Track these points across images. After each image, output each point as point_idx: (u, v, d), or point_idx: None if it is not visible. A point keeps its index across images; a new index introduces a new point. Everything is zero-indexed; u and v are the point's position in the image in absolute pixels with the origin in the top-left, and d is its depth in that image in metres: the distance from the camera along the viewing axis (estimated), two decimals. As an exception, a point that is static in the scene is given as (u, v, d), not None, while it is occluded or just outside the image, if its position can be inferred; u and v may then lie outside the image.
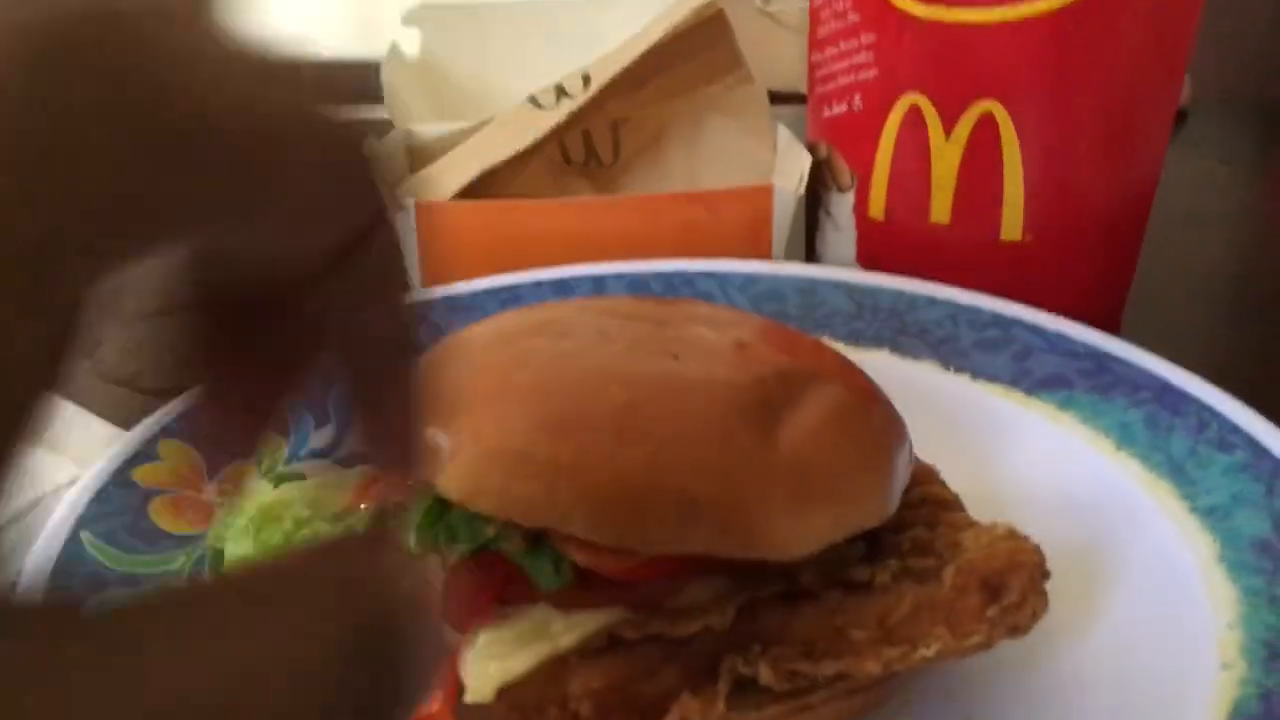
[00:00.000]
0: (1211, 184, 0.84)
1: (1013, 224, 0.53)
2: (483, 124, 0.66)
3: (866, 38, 0.55)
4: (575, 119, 0.65)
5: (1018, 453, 0.45)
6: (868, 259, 0.58)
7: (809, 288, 0.54)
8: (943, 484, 0.38)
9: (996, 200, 0.53)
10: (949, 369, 0.49)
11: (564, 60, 0.74)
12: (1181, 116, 0.93)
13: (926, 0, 0.52)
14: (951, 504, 0.37)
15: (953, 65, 0.52)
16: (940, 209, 0.54)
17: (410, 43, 0.87)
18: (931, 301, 0.51)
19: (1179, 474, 0.41)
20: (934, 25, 0.52)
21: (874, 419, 0.35)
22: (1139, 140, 0.53)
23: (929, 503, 0.36)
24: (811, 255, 0.63)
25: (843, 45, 0.57)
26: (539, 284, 0.53)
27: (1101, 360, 0.47)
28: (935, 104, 0.53)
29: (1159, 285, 0.62)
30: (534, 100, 0.65)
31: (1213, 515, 0.39)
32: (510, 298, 0.53)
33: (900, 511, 0.35)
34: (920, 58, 0.53)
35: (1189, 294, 0.66)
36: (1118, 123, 0.52)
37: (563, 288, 0.53)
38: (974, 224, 0.54)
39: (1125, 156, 0.53)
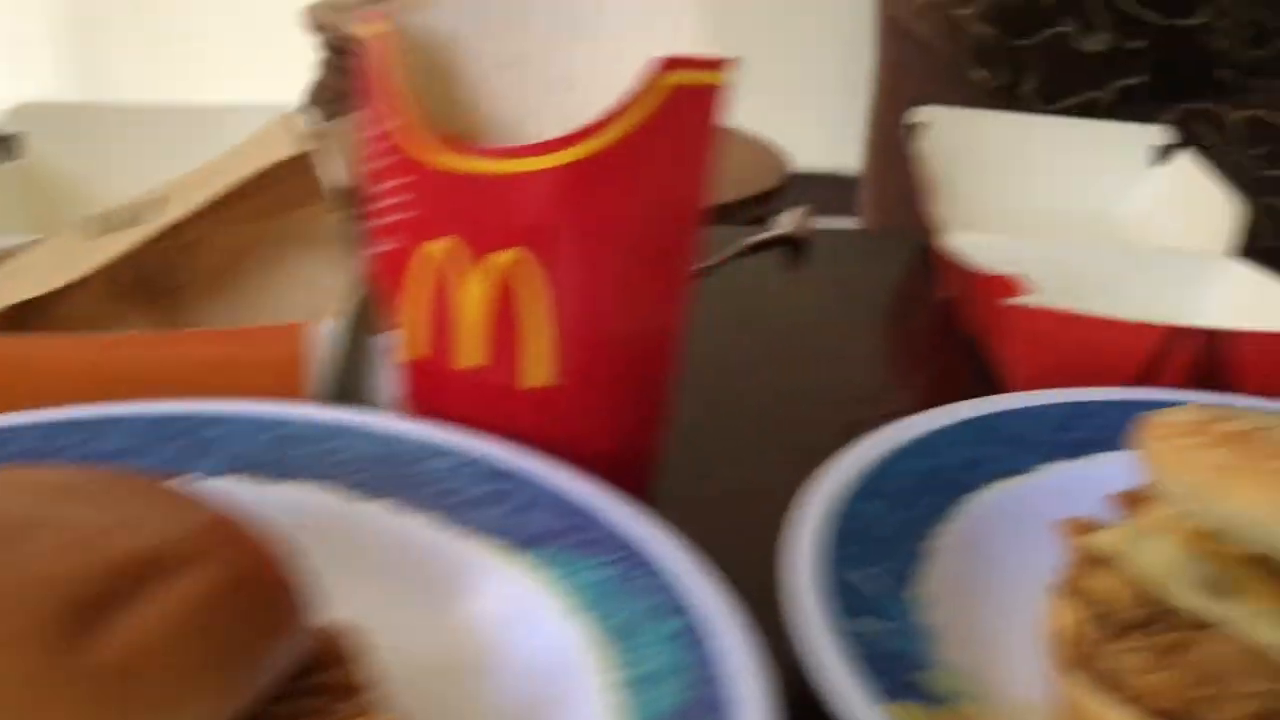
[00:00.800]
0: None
1: (543, 369, 0.54)
2: (33, 243, 0.63)
3: (406, 178, 0.55)
4: (144, 246, 0.63)
5: (491, 611, 0.44)
6: (410, 400, 0.57)
7: (329, 433, 0.52)
8: (353, 665, 0.36)
9: (526, 345, 0.53)
10: (450, 522, 0.48)
11: (181, 168, 0.72)
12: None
13: (458, 150, 0.52)
14: (352, 690, 0.35)
15: (483, 211, 0.52)
16: (472, 352, 0.54)
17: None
18: (441, 452, 0.51)
19: (623, 640, 0.41)
20: (465, 174, 0.52)
21: (241, 606, 0.33)
22: (660, 287, 0.54)
23: (324, 692, 0.35)
24: (364, 395, 0.61)
25: (389, 182, 0.56)
26: (15, 430, 0.50)
27: (590, 517, 0.47)
28: (467, 248, 0.52)
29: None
30: (85, 226, 0.62)
31: (638, 686, 0.39)
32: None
33: (282, 704, 0.33)
34: (453, 202, 0.53)
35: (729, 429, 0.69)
36: (640, 270, 0.53)
37: (50, 433, 0.50)
38: (506, 368, 0.54)
39: (649, 302, 0.54)
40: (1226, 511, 0.41)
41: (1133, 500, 0.48)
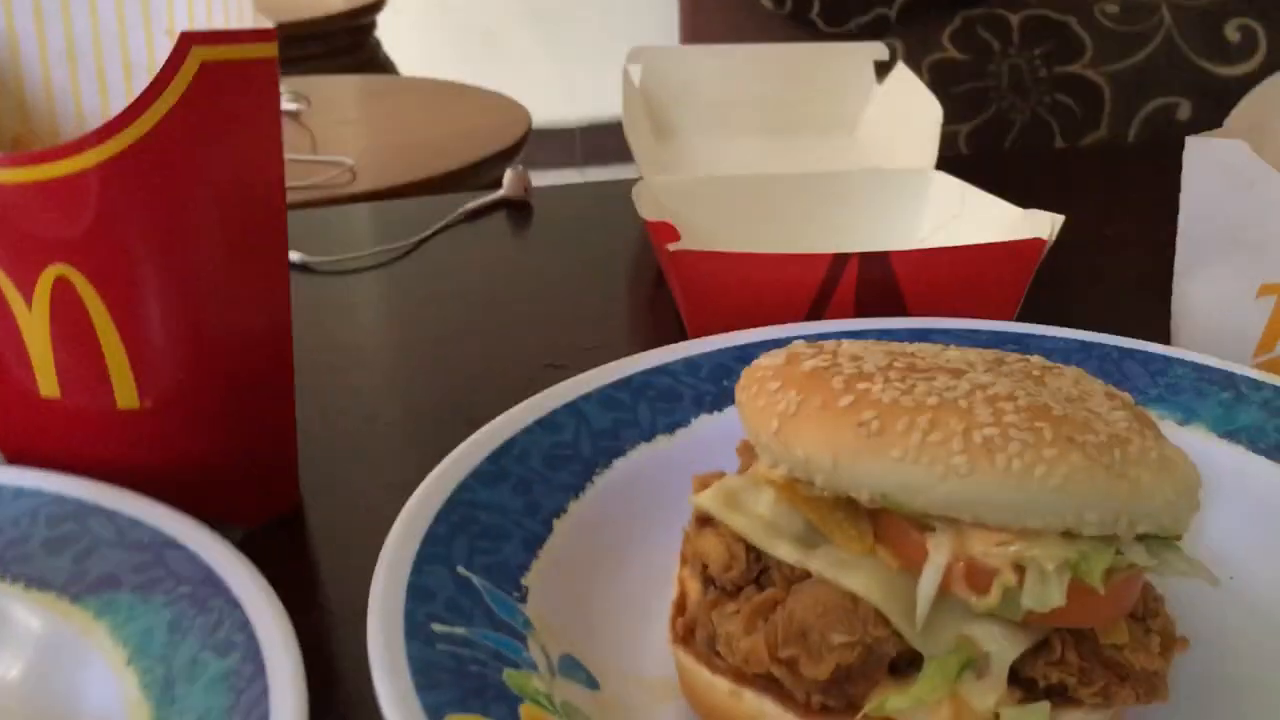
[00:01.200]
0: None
1: (126, 392, 0.49)
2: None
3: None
4: None
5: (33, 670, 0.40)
6: (7, 436, 0.52)
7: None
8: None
9: (102, 368, 0.48)
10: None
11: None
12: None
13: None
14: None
15: (15, 230, 0.46)
16: (48, 383, 0.49)
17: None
18: (19, 494, 0.46)
19: (168, 691, 0.37)
20: None
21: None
22: (247, 284, 0.50)
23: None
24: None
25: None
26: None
27: (159, 551, 0.43)
28: (9, 274, 0.47)
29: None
30: None
31: (170, 744, 0.35)
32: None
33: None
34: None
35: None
36: (217, 270, 0.48)
37: None
38: (86, 396, 0.49)
39: (237, 303, 0.50)
40: (793, 459, 0.39)
41: (751, 450, 0.46)
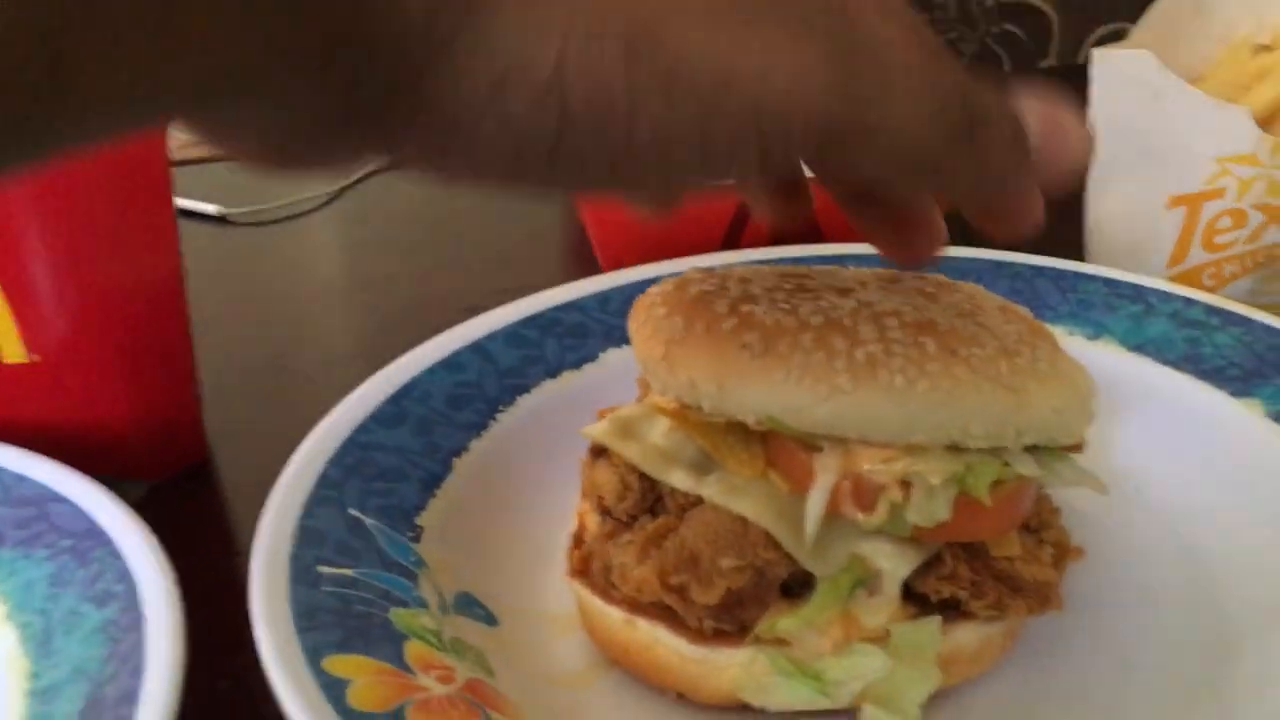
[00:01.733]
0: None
1: (11, 345, 0.48)
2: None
3: None
4: None
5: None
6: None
7: None
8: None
9: (-14, 323, 0.47)
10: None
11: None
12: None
13: None
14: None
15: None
16: (-66, 340, 0.48)
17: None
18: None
19: (45, 645, 0.37)
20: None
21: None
22: (135, 242, 0.49)
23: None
24: None
25: None
26: None
27: (43, 506, 0.42)
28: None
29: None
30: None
31: (43, 695, 0.35)
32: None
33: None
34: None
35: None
36: (97, 223, 0.47)
37: None
38: (-26, 351, 0.48)
39: (125, 259, 0.48)
40: (680, 384, 0.38)
41: (646, 383, 0.46)
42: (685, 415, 0.40)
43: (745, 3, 0.26)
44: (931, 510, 0.36)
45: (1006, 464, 0.37)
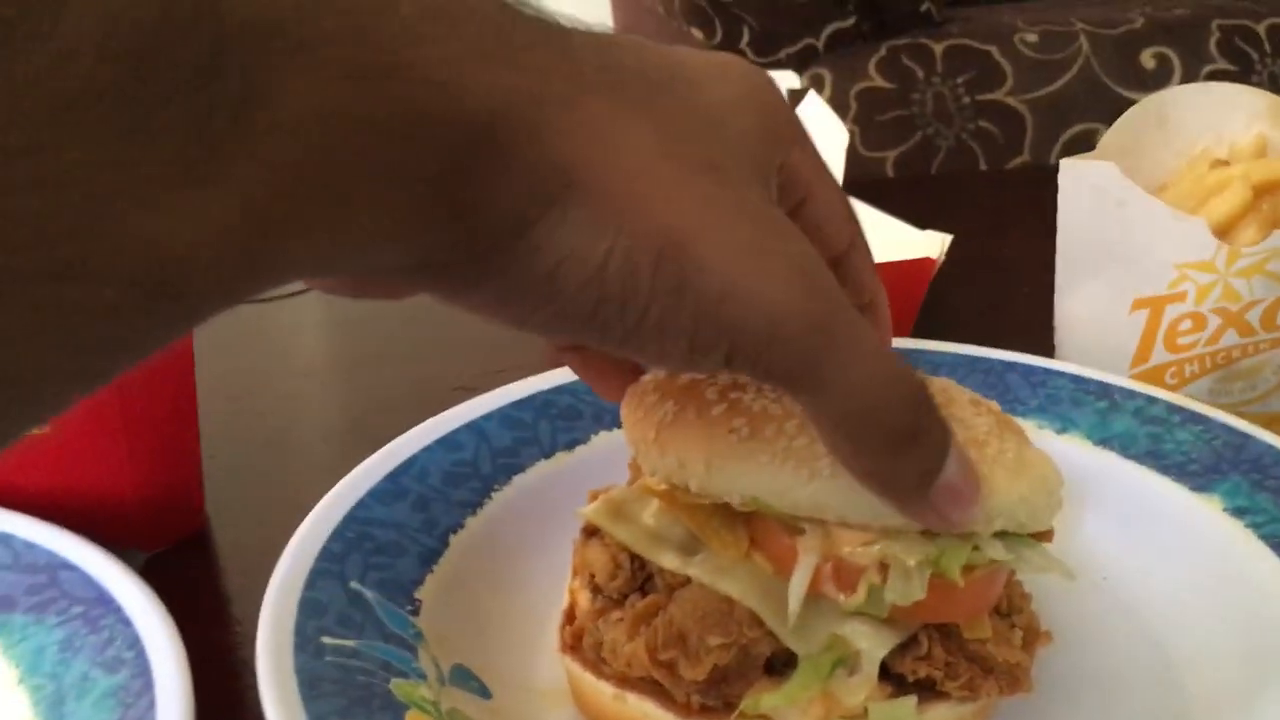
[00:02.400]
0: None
1: None
2: None
3: None
4: None
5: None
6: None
7: None
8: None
9: None
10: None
11: None
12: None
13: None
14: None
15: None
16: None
17: None
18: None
19: (56, 708, 0.38)
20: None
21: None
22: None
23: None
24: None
25: None
26: None
27: (53, 573, 0.43)
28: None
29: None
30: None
31: (55, 758, 0.36)
32: None
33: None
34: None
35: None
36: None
37: None
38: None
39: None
40: (669, 465, 0.41)
41: (637, 466, 0.48)
42: (674, 497, 0.42)
43: (765, 244, 0.31)
44: (908, 590, 0.38)
45: (977, 548, 0.40)
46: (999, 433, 0.42)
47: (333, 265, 0.26)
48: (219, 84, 0.21)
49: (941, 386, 0.45)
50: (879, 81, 1.47)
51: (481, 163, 0.26)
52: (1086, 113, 1.47)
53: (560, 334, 0.32)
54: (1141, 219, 0.57)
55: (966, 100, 1.48)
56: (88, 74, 0.19)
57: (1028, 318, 0.78)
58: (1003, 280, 0.88)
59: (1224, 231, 0.56)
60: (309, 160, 0.23)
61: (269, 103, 0.22)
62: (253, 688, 0.46)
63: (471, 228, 0.27)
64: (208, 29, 0.21)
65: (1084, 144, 1.41)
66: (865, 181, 0.89)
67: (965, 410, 0.43)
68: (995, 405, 0.45)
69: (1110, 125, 0.63)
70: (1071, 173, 0.59)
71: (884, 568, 0.39)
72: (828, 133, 0.94)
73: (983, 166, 1.46)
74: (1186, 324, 0.57)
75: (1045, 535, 0.44)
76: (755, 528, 0.41)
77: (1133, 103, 0.63)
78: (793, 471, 0.38)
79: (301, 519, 0.46)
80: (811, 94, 1.01)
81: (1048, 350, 0.63)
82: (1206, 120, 0.62)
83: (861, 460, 0.34)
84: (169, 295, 0.21)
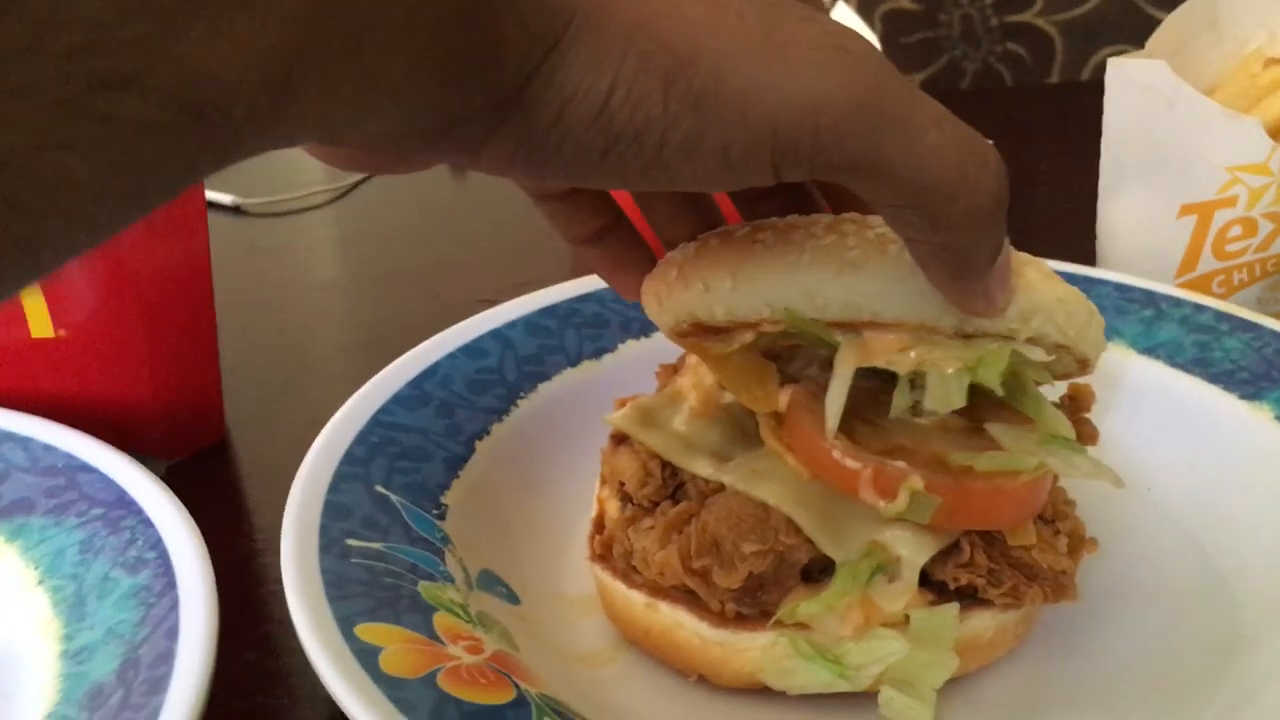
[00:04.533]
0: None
1: (40, 320, 0.48)
2: None
3: None
4: None
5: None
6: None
7: None
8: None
9: (15, 300, 0.48)
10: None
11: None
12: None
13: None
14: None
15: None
16: (-38, 312, 0.48)
17: None
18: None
19: (78, 608, 0.37)
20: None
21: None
22: (162, 224, 0.49)
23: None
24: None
25: None
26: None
27: (72, 476, 0.43)
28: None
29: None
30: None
31: (77, 656, 0.35)
32: None
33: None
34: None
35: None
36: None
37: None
38: (2, 325, 0.48)
39: (153, 240, 0.49)
40: (693, 297, 0.37)
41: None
42: (704, 348, 0.39)
43: (781, 33, 0.28)
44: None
45: (1017, 353, 0.37)
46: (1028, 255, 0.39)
47: (353, 121, 0.25)
48: None
49: None
50: (904, 3, 1.43)
51: (490, 11, 0.25)
52: (1117, 34, 1.43)
53: (581, 182, 0.30)
54: (1191, 120, 0.54)
55: (994, 22, 1.44)
56: None
57: (1064, 231, 0.77)
58: (1036, 193, 0.86)
59: (1279, 133, 0.54)
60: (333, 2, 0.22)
61: None
62: (274, 594, 0.46)
63: (480, 79, 0.26)
64: None
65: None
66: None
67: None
68: None
69: (1142, 47, 0.60)
70: (1119, 73, 0.56)
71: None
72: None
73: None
74: (1236, 230, 0.55)
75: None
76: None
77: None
78: (821, 268, 0.36)
79: (319, 430, 0.45)
80: (840, 5, 0.98)
81: (1089, 258, 0.61)
82: (1259, 18, 0.59)
83: (940, 237, 0.31)
84: (211, 119, 0.21)
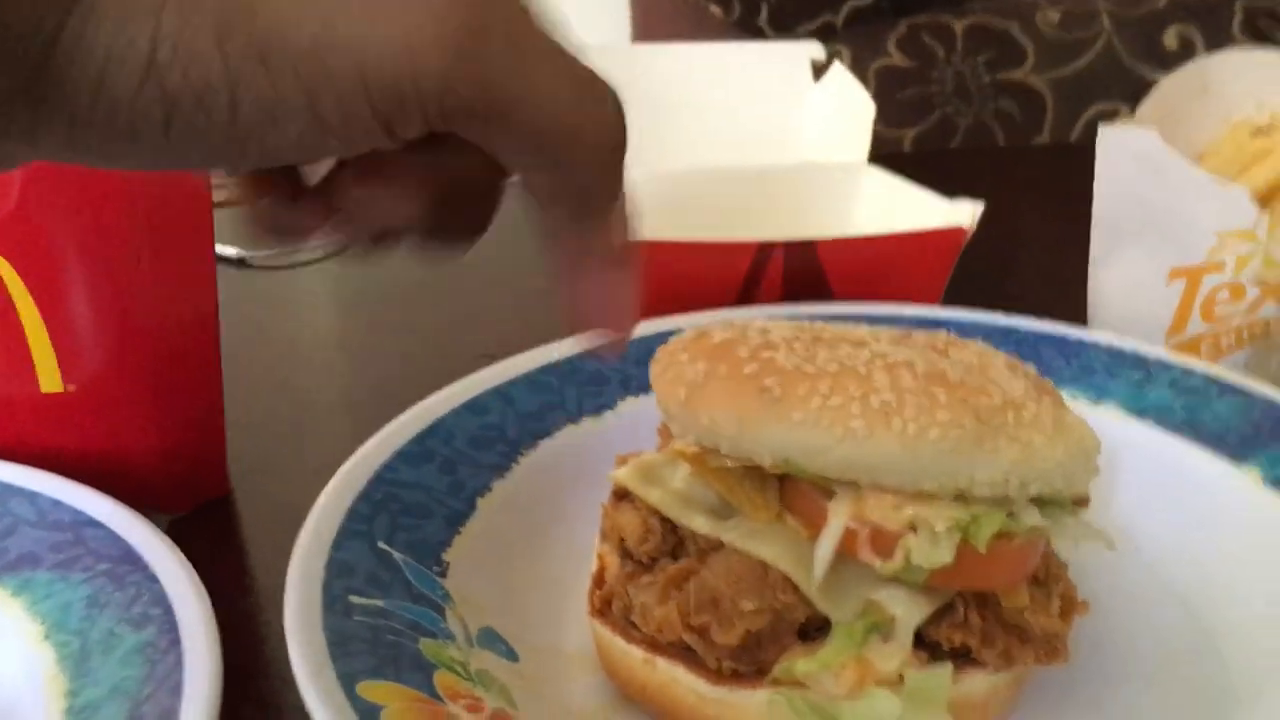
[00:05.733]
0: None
1: (49, 375, 0.49)
2: None
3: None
4: None
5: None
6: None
7: None
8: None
9: (25, 351, 0.49)
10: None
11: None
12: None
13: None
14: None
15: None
16: (-30, 366, 0.49)
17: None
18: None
19: (83, 664, 0.38)
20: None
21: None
22: (173, 279, 0.50)
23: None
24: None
25: None
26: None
27: (79, 531, 0.43)
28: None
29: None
30: None
31: (82, 713, 0.36)
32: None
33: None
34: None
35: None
36: (139, 265, 0.48)
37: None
38: (9, 378, 0.49)
39: (163, 296, 0.50)
40: (699, 426, 0.40)
41: (667, 431, 0.47)
42: (704, 461, 0.41)
43: None
44: (934, 554, 0.38)
45: (1012, 514, 0.39)
46: (1035, 396, 0.41)
47: None
48: None
49: (978, 350, 0.44)
50: (898, 59, 1.45)
51: None
52: (1108, 93, 1.45)
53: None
54: (1181, 186, 0.55)
55: (986, 79, 1.46)
56: None
57: (1054, 292, 0.78)
58: (1027, 255, 0.87)
59: (1265, 200, 0.55)
60: None
61: None
62: (278, 651, 0.46)
63: None
64: None
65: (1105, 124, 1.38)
66: (885, 156, 0.88)
67: (1001, 373, 0.42)
68: (1032, 369, 0.44)
69: (1132, 106, 0.62)
70: (1111, 139, 0.58)
71: (913, 530, 0.38)
72: (852, 104, 0.93)
73: (1002, 145, 1.44)
74: (1224, 294, 0.56)
75: (1081, 501, 0.43)
76: (788, 491, 0.40)
77: (1155, 83, 0.62)
78: (825, 431, 0.38)
79: (322, 484, 0.45)
80: (837, 65, 1.00)
81: (1081, 320, 0.62)
82: (1248, 88, 0.60)
83: (561, 177, 0.30)
84: None
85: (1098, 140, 0.58)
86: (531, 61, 0.27)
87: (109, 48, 0.24)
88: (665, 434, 0.47)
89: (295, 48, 0.25)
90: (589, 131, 0.29)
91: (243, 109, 0.25)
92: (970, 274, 0.73)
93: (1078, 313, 0.64)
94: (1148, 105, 0.60)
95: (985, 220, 0.68)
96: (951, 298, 0.68)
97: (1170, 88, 0.61)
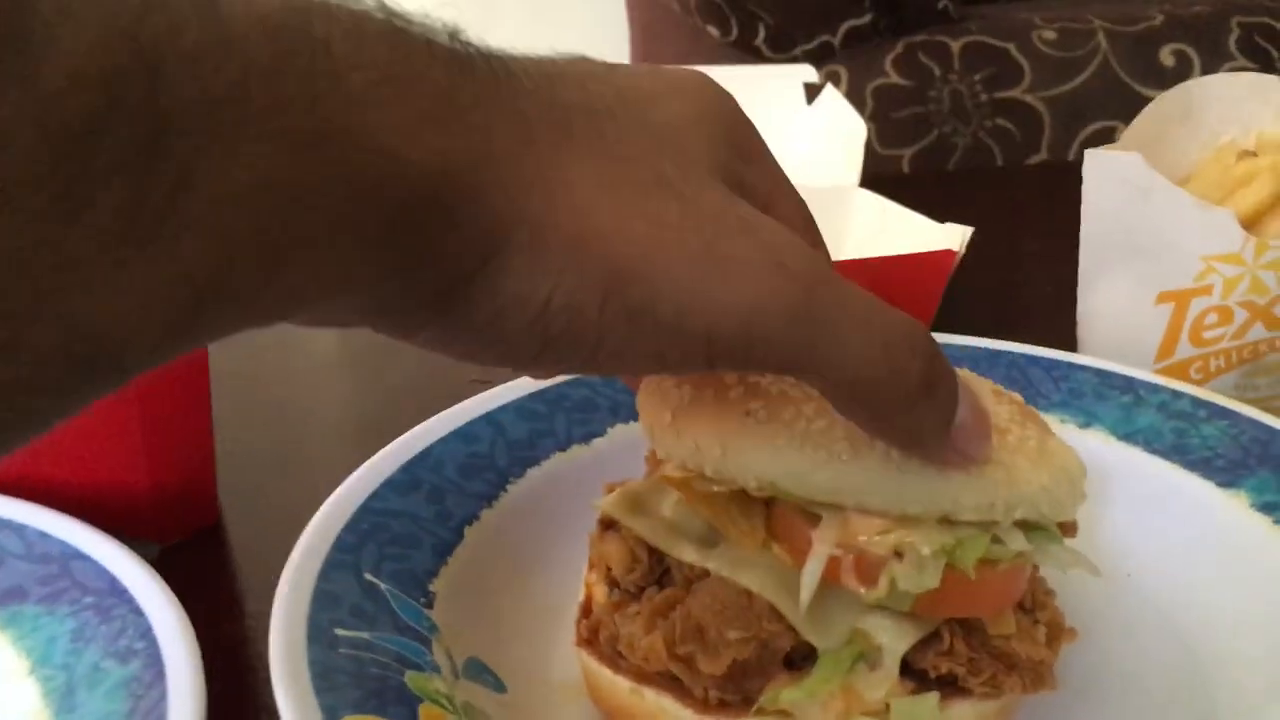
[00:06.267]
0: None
1: None
2: None
3: None
4: None
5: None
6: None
7: None
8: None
9: None
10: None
11: None
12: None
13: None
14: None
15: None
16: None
17: None
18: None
19: (68, 699, 0.38)
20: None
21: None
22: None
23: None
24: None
25: None
26: None
27: (65, 563, 0.43)
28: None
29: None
30: None
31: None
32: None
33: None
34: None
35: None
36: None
37: None
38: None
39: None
40: (685, 449, 0.40)
41: (655, 459, 0.47)
42: (689, 486, 0.41)
43: (719, 248, 0.30)
44: (920, 579, 0.37)
45: (997, 539, 0.39)
46: (1021, 421, 0.41)
47: (274, 321, 0.26)
48: (160, 163, 0.21)
49: (964, 377, 0.44)
50: (895, 79, 1.46)
51: (425, 225, 0.27)
52: (1105, 110, 1.46)
53: (519, 370, 0.32)
54: (1167, 210, 0.56)
55: (984, 98, 1.47)
56: (26, 157, 0.19)
57: (1047, 314, 0.78)
58: (1021, 276, 0.87)
59: (1251, 223, 0.56)
60: (251, 228, 0.23)
61: (211, 177, 0.22)
62: (265, 681, 0.46)
63: (412, 282, 0.28)
64: (150, 109, 0.21)
65: (1102, 142, 1.37)
66: (881, 177, 0.89)
67: (986, 400, 0.42)
68: (1018, 396, 0.44)
69: (1129, 123, 0.62)
70: (1096, 164, 0.58)
71: (899, 556, 0.38)
72: (845, 126, 0.93)
73: (999, 164, 1.45)
74: (1212, 318, 0.56)
75: (1068, 528, 0.43)
76: (774, 519, 0.40)
77: (1151, 101, 0.62)
78: (810, 454, 0.37)
79: (313, 511, 0.45)
80: (829, 87, 1.01)
81: (1068, 347, 0.62)
82: (1233, 111, 0.61)
83: (879, 424, 0.34)
84: (103, 368, 0.22)
85: (1084, 164, 0.59)
86: (850, 326, 0.31)
87: (514, 295, 0.29)
88: (653, 461, 0.47)
89: (661, 313, 0.29)
90: (894, 382, 0.32)
91: (603, 351, 0.30)
92: (969, 292, 0.73)
93: (1070, 334, 0.65)
94: (1133, 130, 0.61)
95: (983, 240, 0.68)
96: (950, 317, 0.68)
97: (1155, 111, 0.61)
